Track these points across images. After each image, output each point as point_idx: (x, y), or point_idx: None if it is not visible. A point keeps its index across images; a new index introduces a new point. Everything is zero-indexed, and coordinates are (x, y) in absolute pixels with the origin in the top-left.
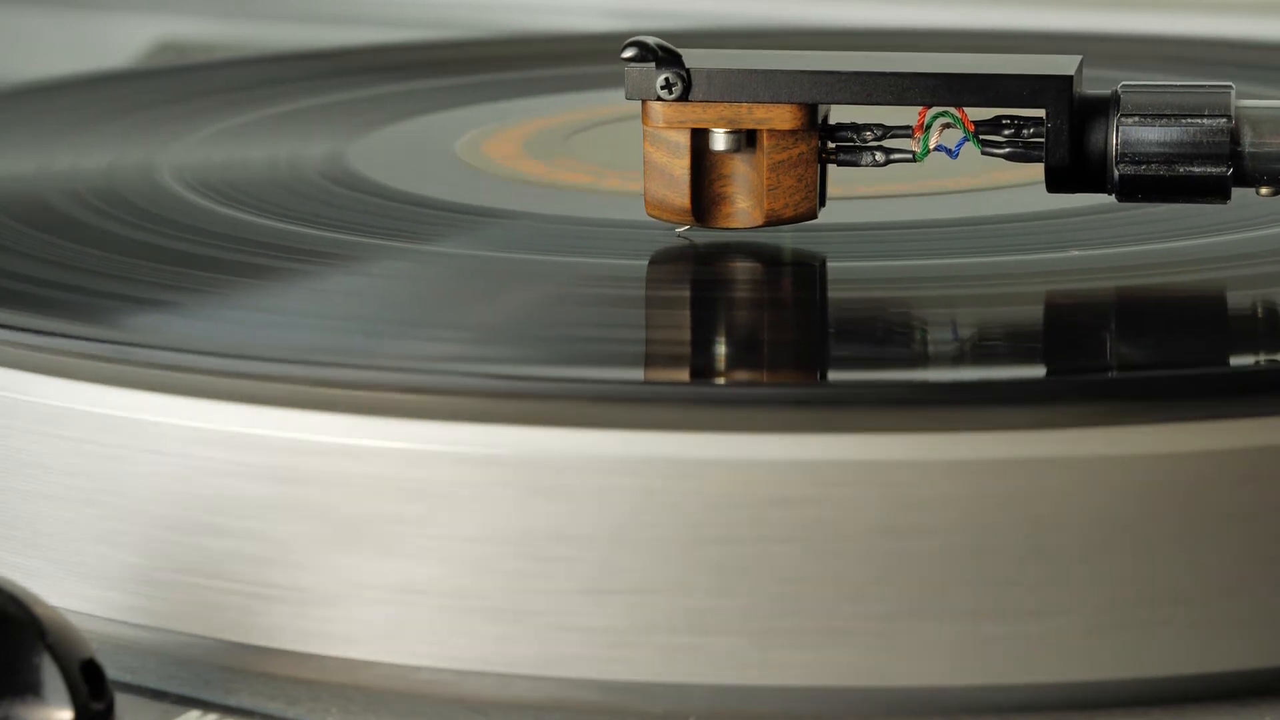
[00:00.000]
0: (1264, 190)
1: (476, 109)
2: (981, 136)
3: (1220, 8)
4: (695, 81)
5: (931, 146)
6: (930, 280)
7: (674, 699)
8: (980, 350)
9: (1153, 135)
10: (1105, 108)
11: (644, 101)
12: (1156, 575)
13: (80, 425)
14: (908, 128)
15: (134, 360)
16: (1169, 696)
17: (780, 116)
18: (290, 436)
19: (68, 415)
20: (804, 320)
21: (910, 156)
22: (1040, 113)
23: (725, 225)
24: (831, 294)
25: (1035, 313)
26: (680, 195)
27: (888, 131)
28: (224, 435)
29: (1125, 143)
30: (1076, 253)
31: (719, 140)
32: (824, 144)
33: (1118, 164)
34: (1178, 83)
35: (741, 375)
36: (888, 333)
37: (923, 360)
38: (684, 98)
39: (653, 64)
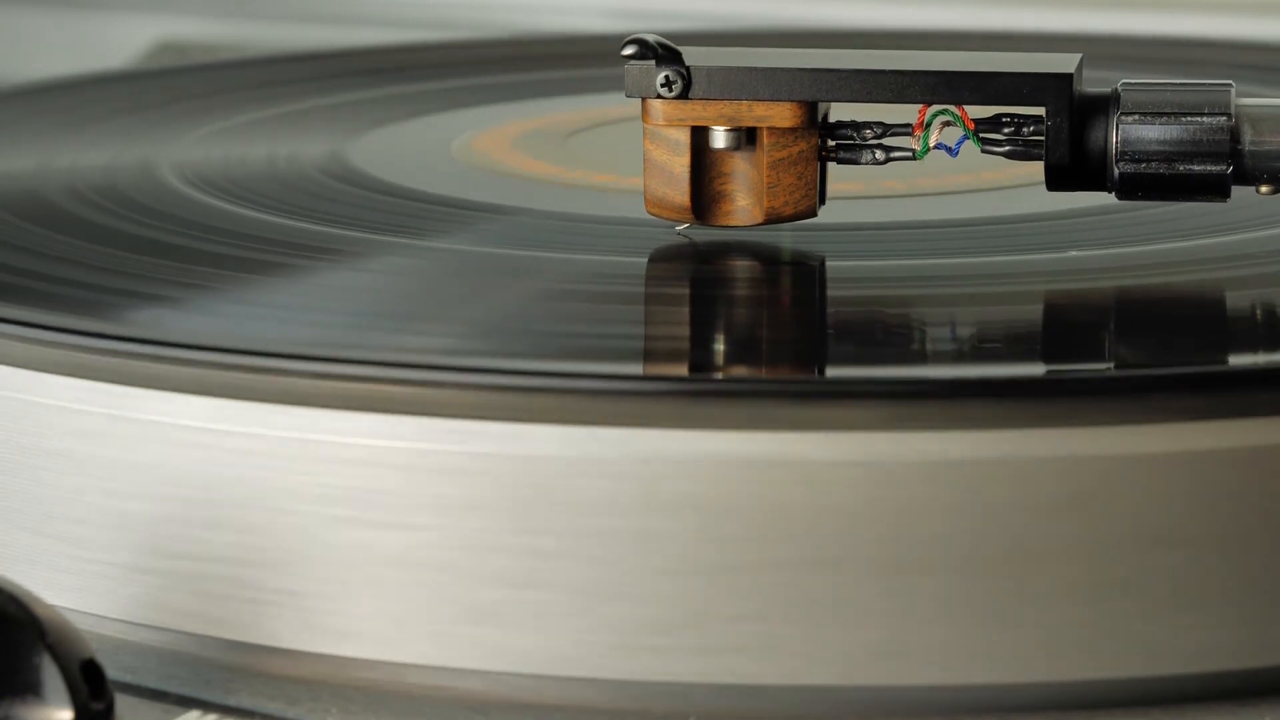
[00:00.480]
0: (1264, 188)
1: (476, 109)
2: (981, 134)
3: (1220, 8)
4: (695, 79)
5: (931, 144)
6: (930, 279)
7: (674, 699)
8: (979, 349)
9: (1153, 133)
10: (1105, 106)
11: (644, 99)
12: (1156, 575)
13: (79, 422)
14: (907, 126)
15: (134, 356)
16: (1169, 696)
17: (780, 114)
18: (290, 434)
19: (67, 412)
20: (803, 318)
21: (910, 154)
22: (1040, 111)
23: (725, 223)
24: (831, 292)
25: (1034, 312)
26: (680, 193)
27: (887, 129)
28: (224, 432)
29: (1125, 141)
30: (1076, 253)
31: (719, 138)
32: (824, 142)
33: (1118, 162)
34: (1178, 81)
35: (740, 372)
36: (887, 332)
37: (922, 359)
38: (684, 95)
39: (653, 61)
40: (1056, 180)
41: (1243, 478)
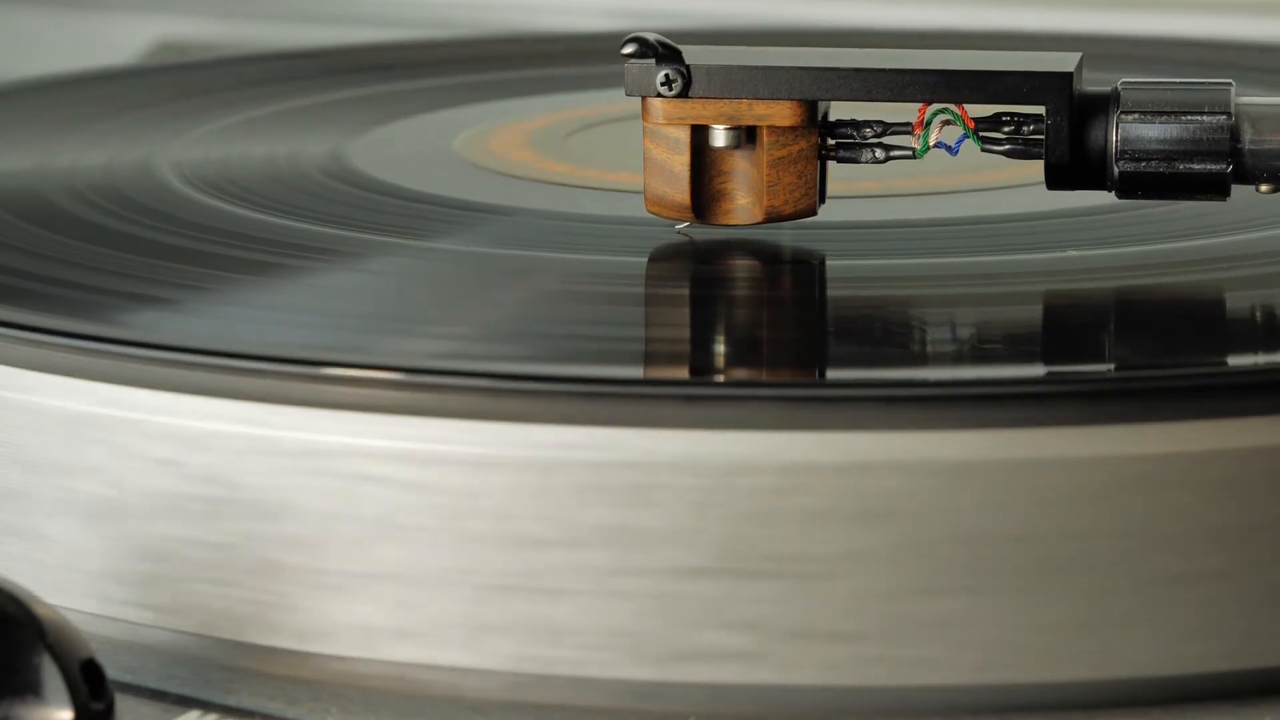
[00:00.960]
0: (1264, 187)
1: (476, 108)
2: (981, 133)
3: (1220, 8)
4: (695, 78)
5: (931, 143)
6: (929, 279)
7: (674, 699)
8: (979, 349)
9: (1152, 132)
10: (1105, 105)
11: (644, 98)
12: (1156, 575)
13: (79, 422)
14: (907, 124)
15: (134, 357)
16: (1169, 696)
17: (780, 113)
18: (290, 435)
19: (65, 411)
20: (803, 318)
21: (910, 153)
22: (1040, 110)
23: (725, 222)
24: (831, 292)
25: (1034, 312)
26: (680, 192)
27: (887, 128)
28: (223, 433)
29: (1125, 140)
30: (1075, 253)
31: (719, 137)
32: (824, 141)
33: (1117, 161)
34: (1177, 80)
35: (740, 373)
36: (887, 331)
37: (921, 359)
38: (684, 94)
39: (652, 60)
40: (1056, 179)
41: (1242, 478)
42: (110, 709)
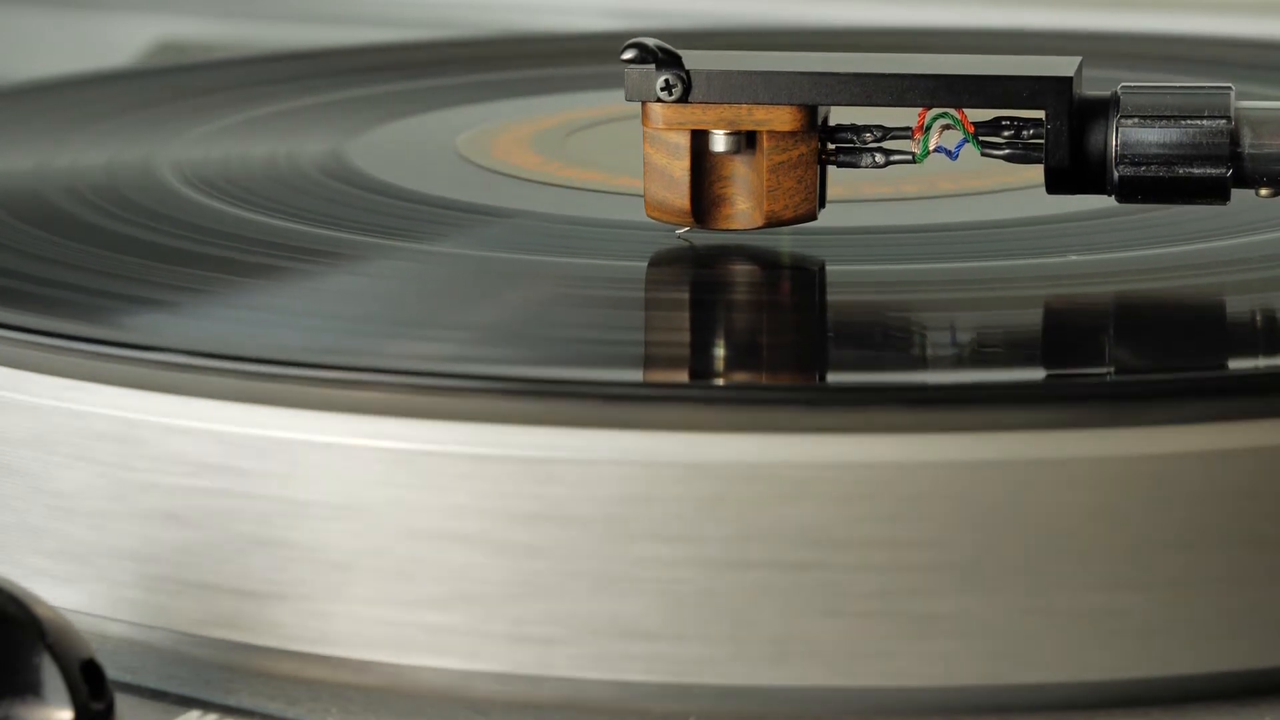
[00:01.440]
0: (1264, 191)
1: (476, 108)
2: (981, 138)
3: (1220, 8)
4: (695, 83)
5: (931, 148)
6: (929, 283)
7: (674, 699)
8: (979, 353)
9: (1152, 136)
10: (1105, 109)
11: (644, 103)
12: (1156, 575)
13: (79, 424)
14: (907, 129)
15: (133, 359)
16: (1169, 696)
17: (780, 118)
18: (289, 436)
19: (65, 413)
20: (803, 323)
21: (910, 158)
22: (1040, 114)
23: (725, 227)
24: (831, 297)
25: (1034, 316)
26: (680, 196)
27: (887, 133)
28: (223, 435)
29: (1125, 144)
30: (1075, 257)
31: (719, 142)
32: (824, 145)
33: (1117, 165)
34: (1177, 84)
35: (740, 377)
36: (887, 336)
37: (922, 363)
38: (684, 99)
39: (652, 65)
40: (1056, 183)
41: (1242, 479)
42: (110, 709)
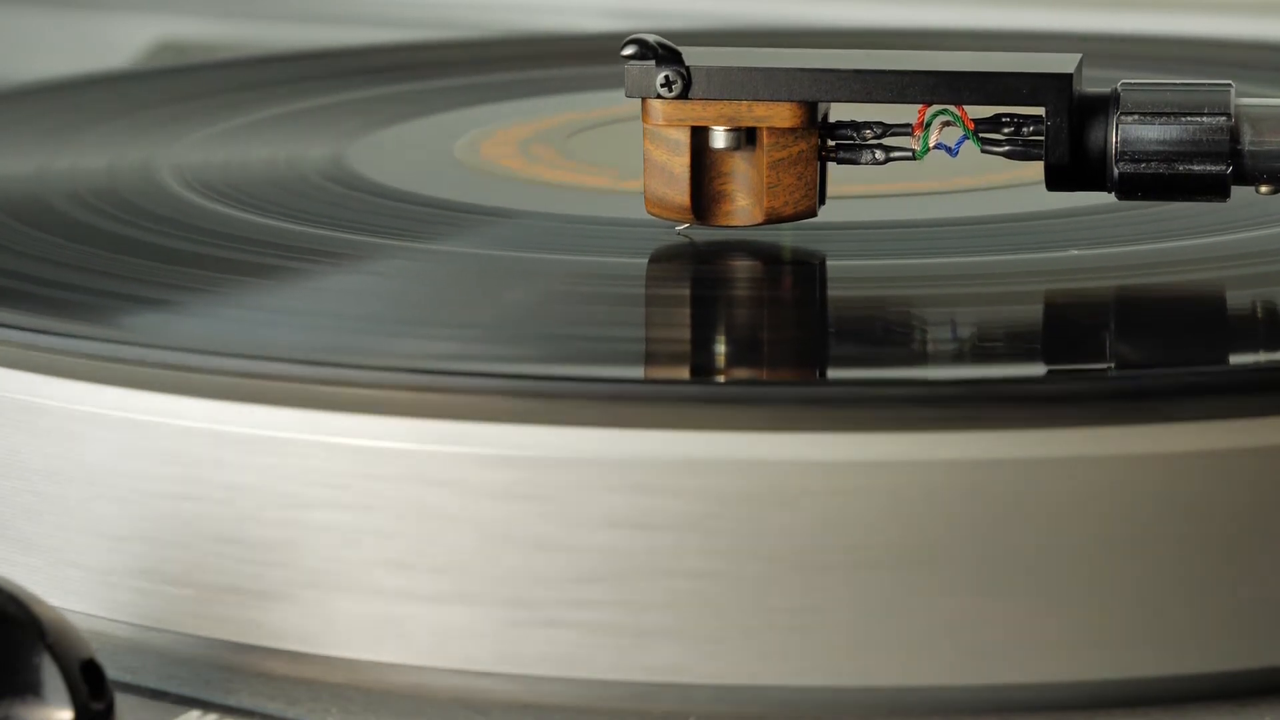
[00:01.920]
0: (1263, 188)
1: (476, 109)
2: (981, 134)
3: (1220, 8)
4: (695, 79)
5: (931, 145)
6: (930, 279)
7: (674, 699)
8: (980, 349)
9: (1152, 133)
10: (1105, 106)
11: (644, 99)
12: (1156, 575)
13: (79, 424)
14: (907, 126)
15: (134, 359)
16: (1169, 696)
17: (780, 114)
18: (290, 436)
19: (66, 414)
20: (804, 319)
21: (910, 154)
22: (1040, 111)
23: (725, 223)
24: (831, 292)
25: (1035, 312)
26: (680, 193)
27: (887, 129)
28: (223, 434)
29: (1125, 141)
30: (1076, 252)
31: (719, 138)
32: (824, 142)
33: (1117, 162)
34: (1177, 81)
35: (741, 373)
36: (887, 331)
37: (922, 359)
38: (684, 95)
39: (652, 62)
40: (1056, 180)
41: (1243, 478)
42: (110, 709)
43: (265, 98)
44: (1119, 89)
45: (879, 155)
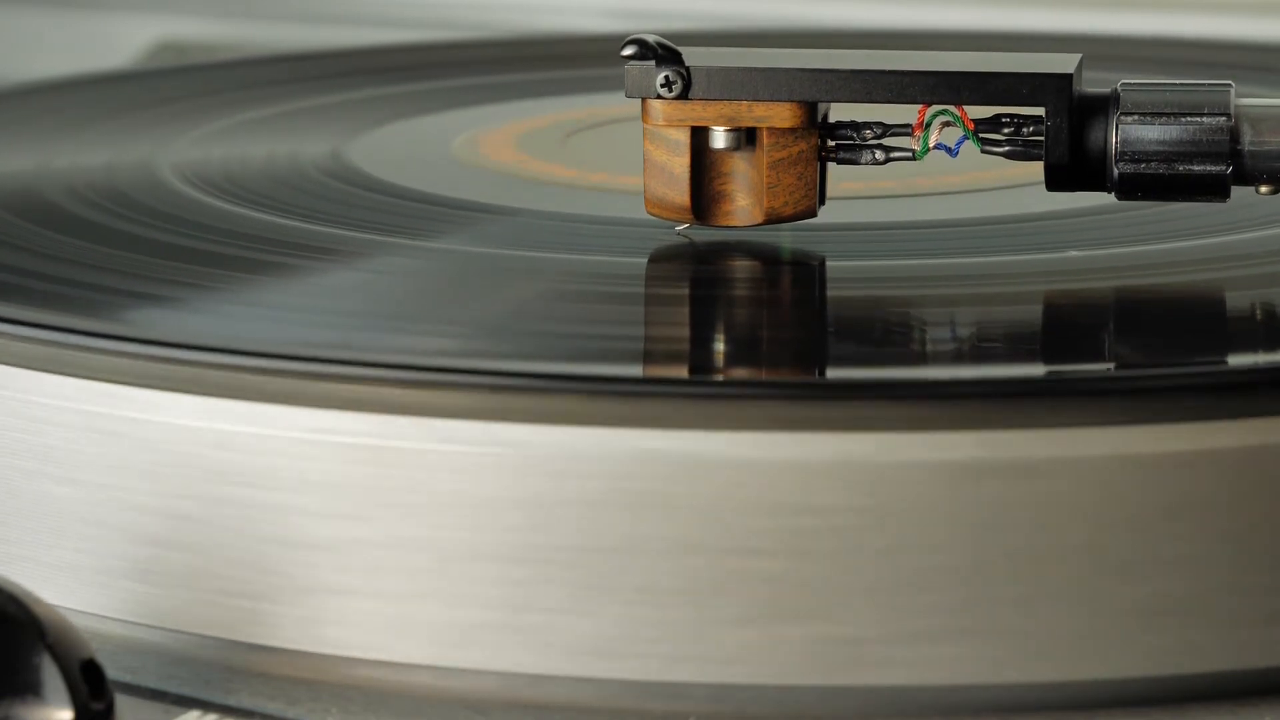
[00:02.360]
0: (1263, 188)
1: (476, 109)
2: (981, 135)
3: (1220, 8)
4: (695, 79)
5: (931, 145)
6: (929, 279)
7: (674, 699)
8: (979, 349)
9: (1152, 134)
10: (1105, 106)
11: (644, 99)
12: (1156, 575)
13: (79, 421)
14: (907, 126)
15: (134, 355)
16: (1169, 696)
17: (780, 114)
18: (290, 433)
19: (66, 411)
20: (803, 319)
21: (910, 155)
22: (1040, 111)
23: (725, 223)
24: (831, 293)
25: (1034, 312)
26: (680, 193)
27: (887, 130)
28: (223, 432)
29: (1125, 141)
30: (1076, 253)
31: (719, 138)
32: (824, 142)
33: (1117, 162)
34: (1177, 81)
35: (740, 373)
36: (887, 332)
37: (921, 359)
38: (684, 96)
39: (652, 62)
40: (1056, 180)
41: (1242, 478)
42: (110, 709)
43: (265, 96)
44: (1119, 89)
45: (879, 155)
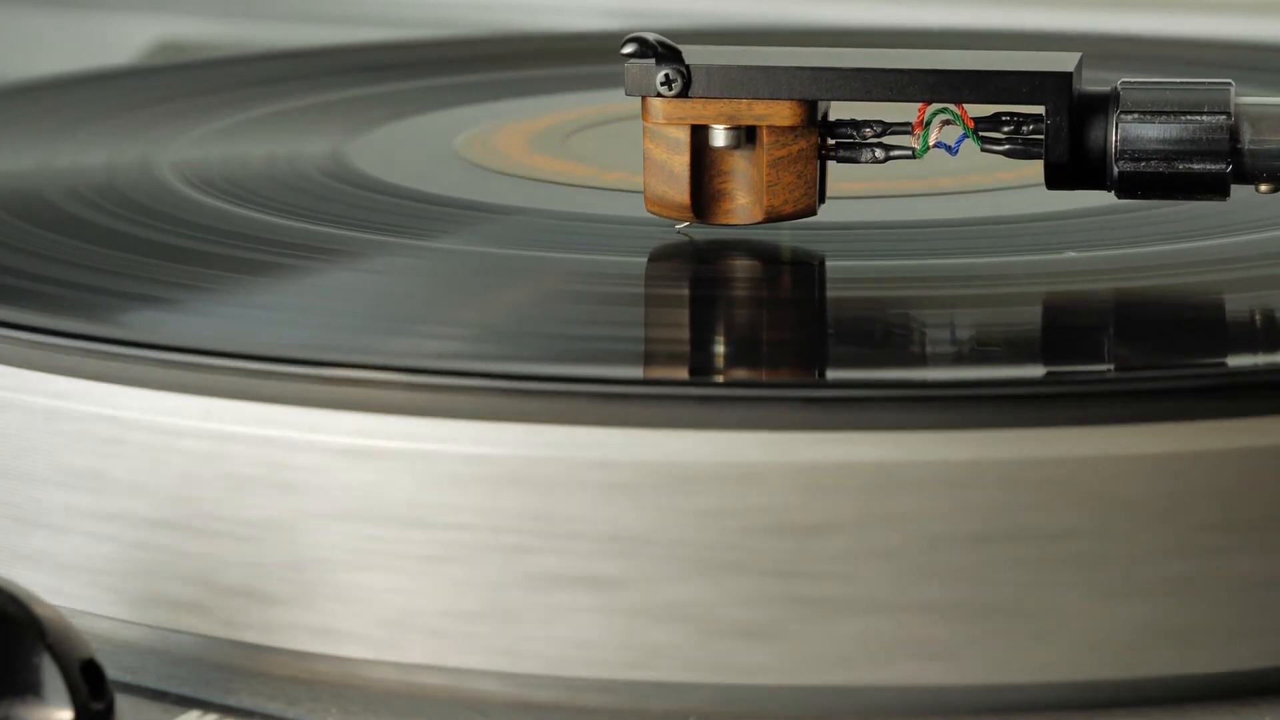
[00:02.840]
0: (1263, 187)
1: (476, 108)
2: (981, 133)
3: (1220, 8)
4: (695, 77)
5: (931, 143)
6: (929, 280)
7: (674, 699)
8: (978, 350)
9: (1152, 132)
10: (1105, 104)
11: (644, 98)
12: (1155, 575)
13: (78, 422)
14: (907, 124)
15: (133, 357)
16: (1169, 696)
17: (780, 113)
18: (290, 434)
19: (66, 412)
20: (803, 319)
21: (910, 153)
22: (1040, 109)
23: (725, 222)
24: (831, 292)
25: (1033, 313)
26: (680, 192)
27: (887, 128)
28: (223, 433)
29: (1125, 139)
30: (1074, 254)
31: (719, 136)
32: (824, 140)
33: (1117, 161)
34: (1177, 80)
35: (740, 373)
36: (886, 332)
37: (921, 360)
38: (684, 94)
39: (652, 60)
40: (1056, 179)
41: (1242, 478)
42: (110, 709)
43: (265, 95)
44: (1119, 88)
45: (879, 154)
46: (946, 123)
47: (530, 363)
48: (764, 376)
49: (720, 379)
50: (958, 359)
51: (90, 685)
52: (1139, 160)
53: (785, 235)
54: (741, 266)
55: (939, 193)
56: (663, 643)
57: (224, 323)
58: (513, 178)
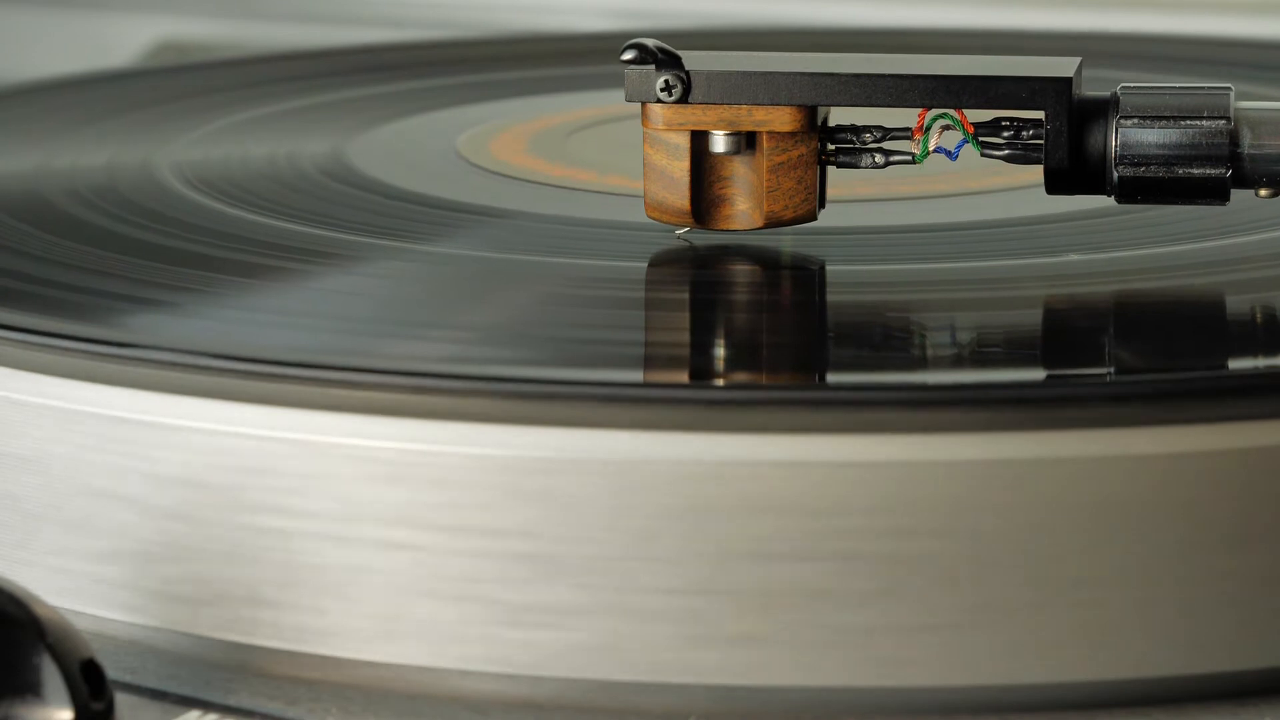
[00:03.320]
0: (1263, 191)
1: (476, 109)
2: (980, 138)
3: (1220, 8)
4: (695, 83)
5: (931, 148)
6: (929, 284)
7: (674, 699)
8: (979, 354)
9: (1152, 137)
10: (1104, 109)
11: (644, 104)
12: (1156, 576)
13: (78, 424)
14: (907, 130)
15: (133, 359)
16: (1169, 696)
17: (780, 118)
18: (289, 436)
19: (65, 414)
20: (803, 323)
21: (910, 158)
22: (1039, 114)
23: (725, 227)
24: (830, 297)
25: (1034, 316)
26: (680, 197)
27: (887, 133)
28: (222, 435)
29: (1124, 144)
30: (1075, 257)
31: (718, 142)
32: (823, 146)
33: (1117, 166)
34: (1177, 84)
35: (740, 378)
36: (886, 336)
37: (922, 363)
38: (683, 100)
39: (652, 66)
40: (1056, 184)
41: (1242, 479)
42: (110, 709)
43: (265, 96)
44: (1118, 92)
45: (879, 159)
46: (946, 128)
47: (530, 366)
48: (764, 380)
49: (720, 382)
50: (958, 362)
51: (90, 685)
52: (1139, 165)
53: (785, 240)
54: (742, 271)
55: (939, 196)
56: (663, 643)
57: (223, 325)
58: (512, 180)
